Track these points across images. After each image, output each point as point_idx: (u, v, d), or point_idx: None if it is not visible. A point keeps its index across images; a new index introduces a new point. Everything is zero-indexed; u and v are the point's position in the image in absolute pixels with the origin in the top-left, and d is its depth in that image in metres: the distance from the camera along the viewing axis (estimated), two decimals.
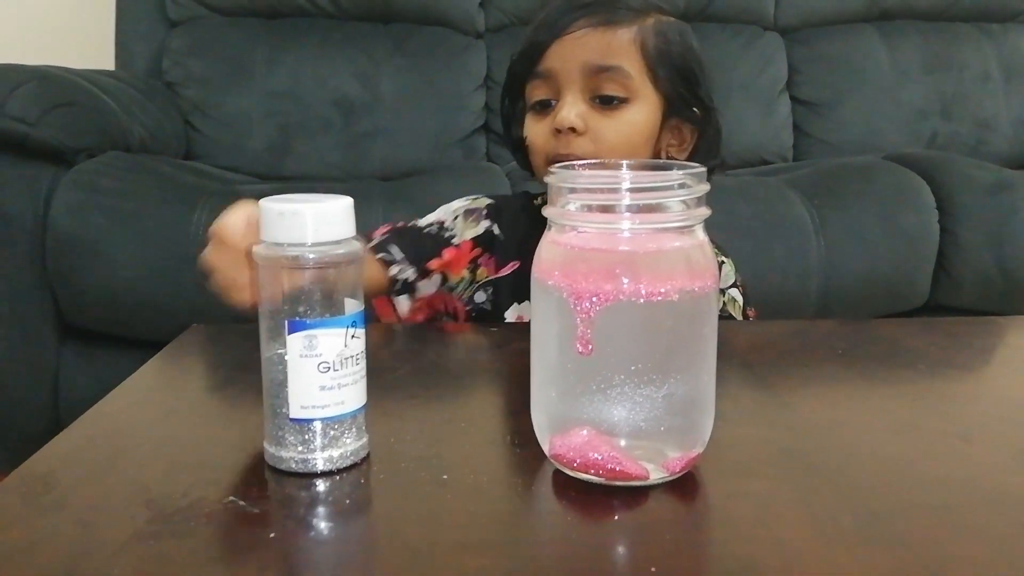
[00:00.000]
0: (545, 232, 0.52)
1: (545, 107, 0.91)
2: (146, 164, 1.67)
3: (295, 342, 0.50)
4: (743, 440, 0.56)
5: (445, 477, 0.50)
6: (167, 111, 2.05)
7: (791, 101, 2.36)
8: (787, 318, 1.53)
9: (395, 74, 2.20)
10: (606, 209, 0.49)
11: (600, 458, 0.49)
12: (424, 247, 0.94)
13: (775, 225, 1.65)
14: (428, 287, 0.94)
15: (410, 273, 0.92)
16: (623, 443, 0.49)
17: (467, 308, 0.96)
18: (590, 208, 0.50)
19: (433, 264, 0.93)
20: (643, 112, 0.90)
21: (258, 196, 0.53)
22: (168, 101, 2.09)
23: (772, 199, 1.70)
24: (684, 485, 0.50)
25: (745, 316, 0.99)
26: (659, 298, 0.47)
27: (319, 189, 0.55)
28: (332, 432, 0.51)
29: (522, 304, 0.94)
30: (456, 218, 0.97)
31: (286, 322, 0.50)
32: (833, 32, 2.41)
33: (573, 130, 0.87)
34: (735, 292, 0.99)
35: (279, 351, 0.50)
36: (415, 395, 0.66)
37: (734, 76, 2.30)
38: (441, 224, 0.96)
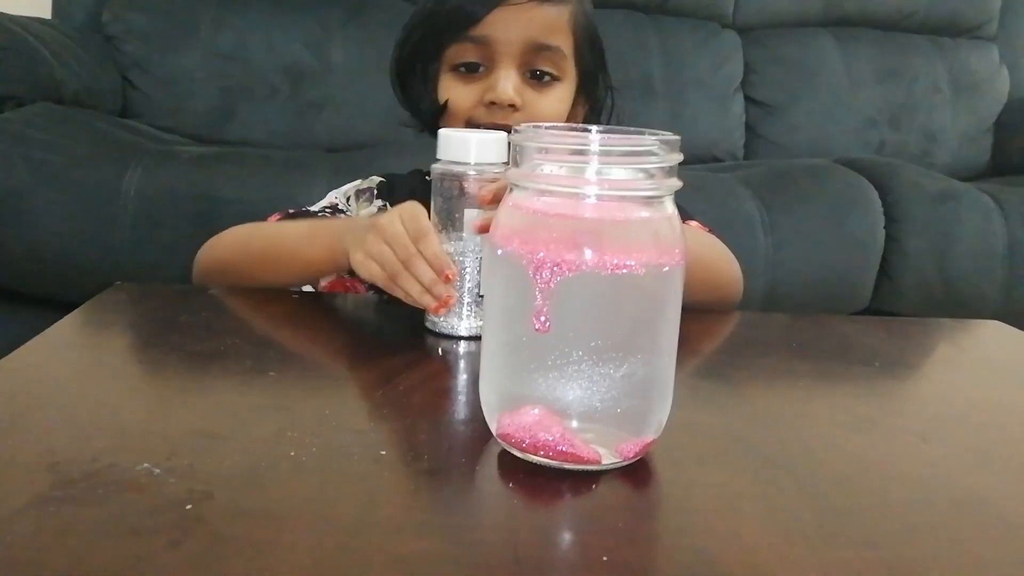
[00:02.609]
0: (505, 196, 0.48)
1: (471, 70, 0.87)
2: (78, 117, 1.58)
3: None
4: (699, 428, 0.53)
5: (383, 453, 0.47)
6: (104, 65, 1.95)
7: (745, 100, 2.36)
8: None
9: (347, 44, 2.13)
10: (574, 173, 0.46)
11: (551, 439, 0.46)
12: None
13: (724, 221, 1.63)
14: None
15: None
16: (576, 424, 0.46)
17: (368, 289, 0.89)
18: (558, 171, 0.46)
19: None
20: (568, 91, 0.90)
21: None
22: (106, 55, 1.98)
23: (723, 195, 1.69)
24: (637, 472, 0.47)
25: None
26: (625, 271, 0.44)
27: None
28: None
29: None
30: (349, 199, 0.93)
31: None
32: (790, 34, 2.41)
33: (511, 105, 0.84)
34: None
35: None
36: (355, 366, 0.63)
37: (690, 72, 2.28)
38: (335, 207, 0.93)
